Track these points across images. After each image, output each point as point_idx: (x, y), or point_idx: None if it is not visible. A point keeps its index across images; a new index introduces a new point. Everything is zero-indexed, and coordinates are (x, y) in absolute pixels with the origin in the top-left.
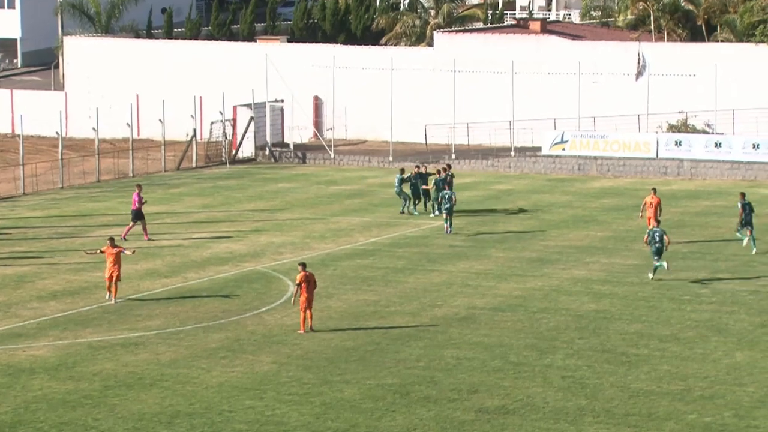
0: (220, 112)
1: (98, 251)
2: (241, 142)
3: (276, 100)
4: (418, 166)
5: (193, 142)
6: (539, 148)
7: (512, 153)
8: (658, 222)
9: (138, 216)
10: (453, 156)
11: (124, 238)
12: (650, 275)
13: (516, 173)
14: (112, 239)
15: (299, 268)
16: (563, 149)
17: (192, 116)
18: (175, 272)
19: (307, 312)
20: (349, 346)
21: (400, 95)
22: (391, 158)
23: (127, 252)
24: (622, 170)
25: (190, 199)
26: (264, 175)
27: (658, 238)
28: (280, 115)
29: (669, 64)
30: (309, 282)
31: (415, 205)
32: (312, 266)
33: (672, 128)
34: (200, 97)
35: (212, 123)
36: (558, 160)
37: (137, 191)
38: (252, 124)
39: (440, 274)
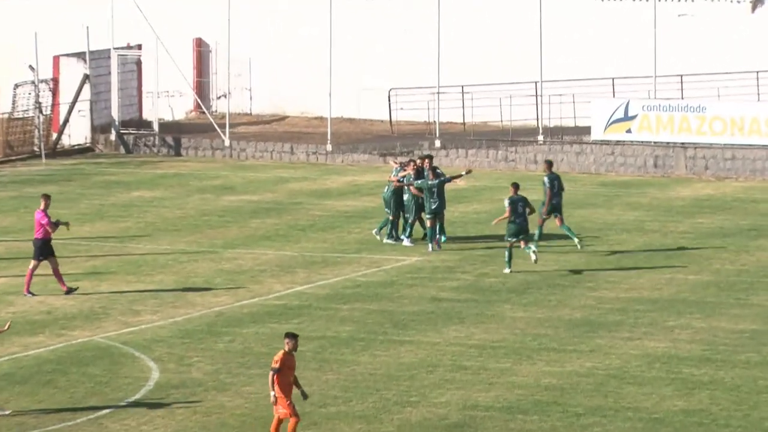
0: (31, 67)
1: None
2: (67, 120)
3: (129, 47)
4: (429, 158)
5: None
6: (587, 129)
7: (540, 137)
8: None
9: (46, 249)
10: (437, 143)
11: (29, 292)
12: (507, 269)
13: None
14: None
15: (286, 342)
16: (628, 130)
17: None
18: None
19: (285, 409)
20: None
21: (344, 39)
22: (329, 147)
23: (5, 327)
24: (729, 167)
25: None
26: (107, 176)
27: (520, 210)
28: (137, 72)
29: None
30: (292, 365)
31: (411, 225)
32: (197, 335)
33: None
34: None
35: (16, 86)
36: (619, 150)
37: (43, 205)
38: (87, 87)
39: (415, 349)
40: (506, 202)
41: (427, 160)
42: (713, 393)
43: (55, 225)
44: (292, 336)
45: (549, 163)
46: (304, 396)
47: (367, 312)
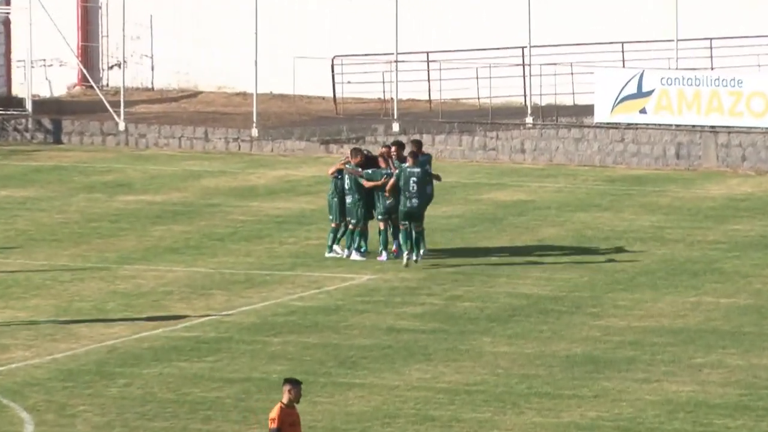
0: None
1: None
2: None
3: None
4: (393, 146)
5: None
6: (589, 109)
7: (528, 119)
8: None
9: None
10: (395, 126)
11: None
12: (405, 258)
13: (538, 165)
14: None
15: (287, 391)
16: (643, 110)
17: None
18: None
19: None
20: None
21: None
22: (255, 132)
23: None
24: None
25: None
26: None
27: (414, 188)
28: (4, 35)
29: None
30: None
31: (360, 233)
32: (83, 377)
33: None
34: None
35: None
36: (631, 136)
37: None
38: None
39: (367, 394)
40: (399, 173)
41: (395, 147)
42: None
43: None
44: (294, 383)
45: (417, 144)
46: None
47: (304, 346)
